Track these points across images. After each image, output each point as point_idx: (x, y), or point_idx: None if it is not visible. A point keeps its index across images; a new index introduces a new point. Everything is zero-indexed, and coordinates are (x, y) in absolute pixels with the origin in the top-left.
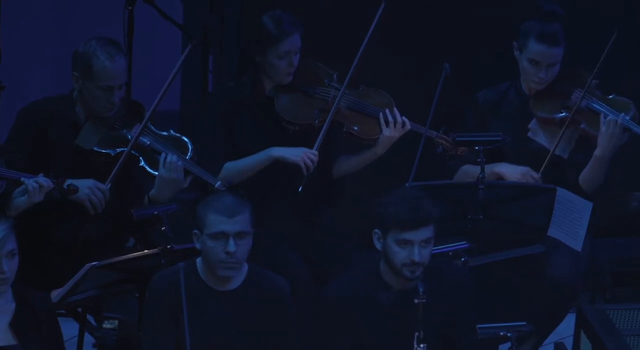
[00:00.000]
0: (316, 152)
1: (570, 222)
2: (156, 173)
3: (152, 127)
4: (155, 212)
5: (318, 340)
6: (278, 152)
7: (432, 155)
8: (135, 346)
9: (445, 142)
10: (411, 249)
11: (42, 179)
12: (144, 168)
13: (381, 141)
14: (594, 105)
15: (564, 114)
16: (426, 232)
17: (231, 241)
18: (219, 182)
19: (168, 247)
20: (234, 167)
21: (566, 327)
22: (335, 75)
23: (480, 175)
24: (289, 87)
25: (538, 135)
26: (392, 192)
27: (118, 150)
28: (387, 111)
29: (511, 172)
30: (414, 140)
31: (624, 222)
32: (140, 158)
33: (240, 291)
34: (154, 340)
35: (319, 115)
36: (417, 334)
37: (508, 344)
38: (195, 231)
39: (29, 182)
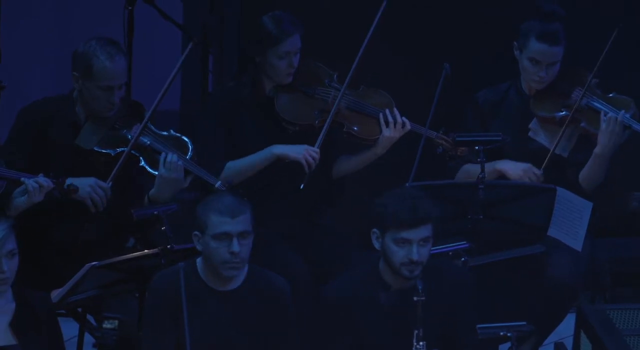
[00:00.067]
0: (318, 150)
1: (570, 222)
2: (156, 173)
3: (152, 127)
4: (155, 212)
5: (318, 340)
6: (280, 149)
7: (432, 155)
8: (135, 346)
9: (445, 142)
10: (409, 248)
11: (42, 179)
12: (144, 168)
13: (381, 141)
14: (594, 103)
15: (564, 112)
16: (424, 231)
17: (235, 241)
18: (219, 182)
19: (168, 247)
20: (235, 167)
21: (566, 327)
22: (335, 76)
23: (480, 175)
24: (289, 87)
25: (539, 135)
26: (390, 191)
27: (118, 150)
28: (387, 111)
29: (513, 168)
30: (414, 141)
31: (624, 222)
32: (141, 158)
33: (240, 291)
34: (154, 340)
35: (319, 115)
36: (416, 331)
37: (508, 344)
38: (196, 233)
39: (29, 182)
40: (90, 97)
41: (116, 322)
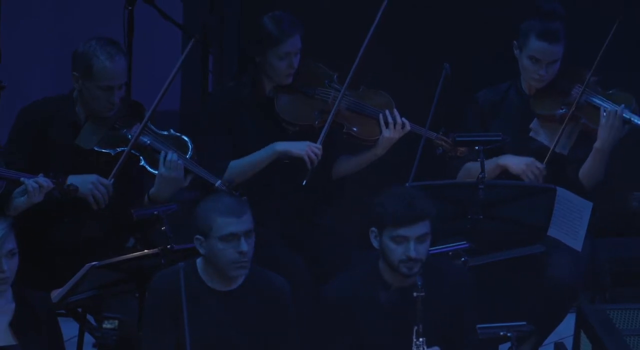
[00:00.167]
0: (320, 146)
1: (570, 222)
2: (156, 172)
3: (152, 127)
4: (155, 212)
5: (318, 340)
6: (282, 146)
7: (432, 156)
8: (135, 346)
9: (445, 143)
10: (407, 245)
11: (42, 179)
12: (144, 167)
13: (381, 142)
14: (594, 99)
15: (564, 110)
16: (421, 228)
17: (242, 241)
18: (219, 181)
19: (168, 247)
20: (238, 165)
21: (566, 327)
22: (335, 76)
23: (481, 175)
24: (289, 87)
25: (540, 135)
26: (388, 190)
27: (118, 150)
28: (387, 112)
29: (516, 163)
30: (414, 141)
31: (624, 222)
32: (141, 157)
33: (240, 291)
34: (154, 340)
35: (319, 116)
36: (416, 327)
37: (508, 344)
38: (198, 237)
39: (29, 182)
40: (90, 97)
41: (116, 322)
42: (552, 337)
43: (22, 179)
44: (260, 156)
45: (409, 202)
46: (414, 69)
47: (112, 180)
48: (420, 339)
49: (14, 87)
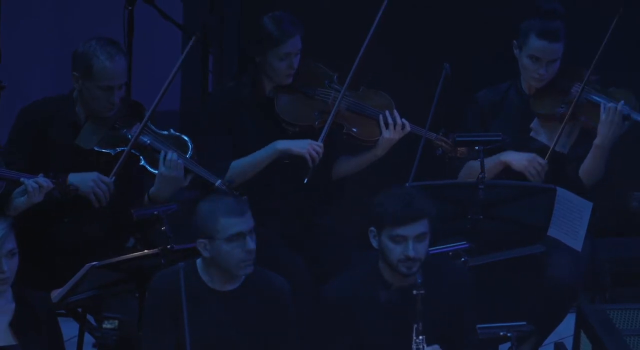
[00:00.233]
0: (321, 144)
1: (570, 222)
2: (156, 172)
3: (152, 127)
4: (155, 212)
5: (318, 340)
6: (283, 144)
7: (432, 156)
8: (135, 346)
9: (445, 144)
10: (405, 244)
11: (41, 179)
12: (145, 167)
13: (381, 143)
14: (594, 97)
15: (564, 109)
16: (420, 227)
17: (248, 239)
18: (219, 181)
19: (168, 247)
20: (239, 165)
21: (566, 327)
22: (335, 77)
23: (481, 175)
24: (289, 88)
25: (540, 135)
26: (386, 190)
27: (118, 149)
28: (387, 113)
29: (517, 159)
30: (414, 142)
31: (624, 222)
32: (141, 157)
33: (240, 291)
34: (154, 340)
35: (318, 116)
36: (415, 325)
37: (508, 344)
38: (202, 241)
39: (29, 183)
40: (90, 97)
41: (116, 322)
42: (552, 337)
43: (22, 179)
44: (261, 155)
45: (407, 202)
46: (414, 69)
47: (114, 177)
48: (420, 337)
49: (14, 87)
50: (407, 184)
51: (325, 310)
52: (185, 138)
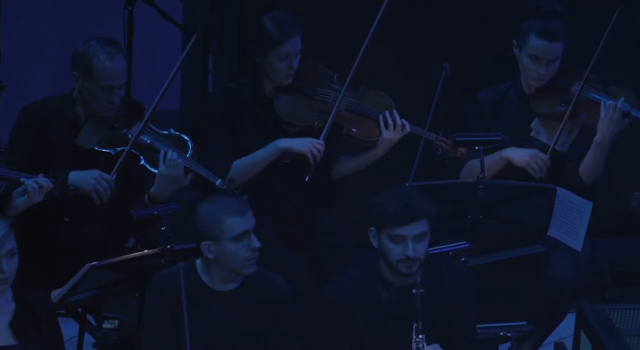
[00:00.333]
0: (323, 142)
1: (570, 222)
2: (156, 171)
3: (153, 126)
4: (155, 212)
5: (318, 340)
6: (284, 143)
7: (432, 157)
8: (135, 346)
9: (445, 144)
10: (405, 244)
11: (41, 179)
12: (145, 167)
13: (381, 143)
14: (593, 95)
15: (564, 108)
16: (419, 227)
17: (253, 237)
18: (219, 180)
19: (168, 247)
20: (241, 165)
21: (566, 327)
22: (335, 77)
23: (481, 175)
24: (289, 88)
25: (540, 134)
26: (386, 190)
27: (118, 149)
28: (387, 113)
29: (519, 155)
30: (414, 142)
31: (624, 222)
32: (141, 157)
33: (240, 291)
34: (154, 340)
35: (318, 117)
36: (415, 324)
37: (508, 344)
38: (206, 242)
39: (29, 183)
40: (90, 97)
41: (116, 322)
42: (552, 337)
43: (22, 179)
44: (262, 155)
45: (407, 202)
46: (414, 69)
47: (115, 175)
48: (420, 336)
49: (14, 87)
50: (407, 184)
51: (325, 310)
52: (185, 137)
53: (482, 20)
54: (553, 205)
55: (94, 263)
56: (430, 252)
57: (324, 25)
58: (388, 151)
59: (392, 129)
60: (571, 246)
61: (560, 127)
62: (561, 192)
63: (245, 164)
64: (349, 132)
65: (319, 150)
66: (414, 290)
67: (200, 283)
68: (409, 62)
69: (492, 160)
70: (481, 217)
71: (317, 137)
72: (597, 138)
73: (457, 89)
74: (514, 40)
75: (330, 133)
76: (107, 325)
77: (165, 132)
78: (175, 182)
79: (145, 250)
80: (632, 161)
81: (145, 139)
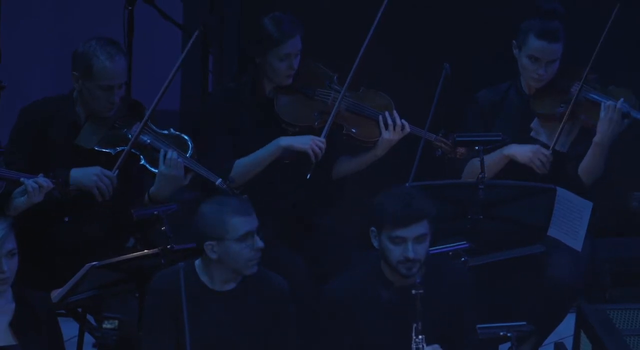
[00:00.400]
0: (324, 140)
1: (570, 222)
2: (157, 171)
3: (153, 126)
4: (155, 212)
5: (318, 340)
6: (286, 141)
7: (432, 157)
8: (135, 346)
9: (445, 145)
10: (405, 246)
11: (41, 179)
12: (145, 166)
13: (380, 143)
14: (593, 95)
15: (563, 108)
16: (419, 229)
17: (256, 238)
18: (219, 180)
19: (168, 247)
20: (242, 164)
21: (566, 327)
22: (335, 77)
23: (481, 175)
24: (289, 88)
25: (540, 135)
26: (387, 190)
27: (118, 149)
28: (387, 114)
29: (521, 152)
30: (414, 142)
31: (624, 222)
32: (141, 156)
33: (239, 291)
34: (154, 340)
35: (318, 117)
36: (415, 325)
37: (508, 344)
38: (209, 243)
39: (29, 183)
40: (90, 97)
41: (116, 322)
42: (552, 337)
43: (22, 179)
44: (263, 153)
45: (407, 203)
46: (414, 69)
47: (117, 171)
48: (420, 337)
49: (14, 87)
50: (407, 184)
51: (325, 310)
52: (185, 137)
53: (482, 20)
54: (553, 205)
55: (94, 263)
56: (430, 252)
57: (324, 25)
58: (388, 151)
59: (392, 130)
60: (571, 246)
61: (560, 127)
62: (561, 192)
63: (246, 164)
64: (349, 133)
65: (320, 148)
66: (413, 291)
67: (199, 283)
68: (409, 62)
69: (494, 159)
70: (481, 217)
71: (318, 136)
72: (596, 138)
73: (457, 89)
74: (514, 41)
75: (330, 133)
76: (107, 325)
77: (165, 131)
78: (175, 181)
79: (145, 250)
80: (632, 161)
81: (145, 138)
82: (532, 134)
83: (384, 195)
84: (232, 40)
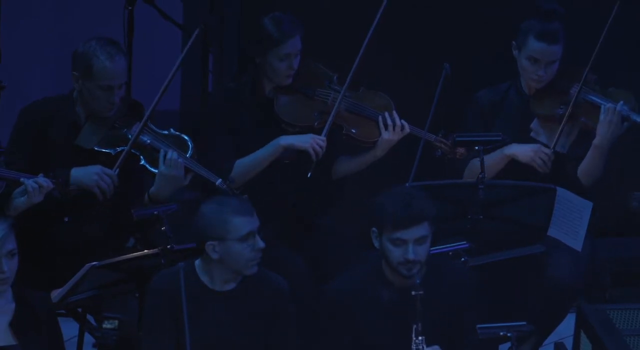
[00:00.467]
0: (324, 138)
1: (570, 222)
2: (156, 171)
3: (152, 126)
4: (155, 212)
5: (318, 340)
6: (286, 140)
7: (432, 157)
8: (135, 346)
9: (444, 145)
10: (405, 247)
11: (41, 179)
12: (145, 167)
13: (380, 144)
14: (592, 97)
15: (563, 110)
16: (420, 230)
17: (258, 238)
18: (219, 180)
19: (168, 247)
20: (242, 164)
21: (566, 327)
22: (335, 77)
23: (481, 175)
24: (289, 88)
25: (540, 135)
26: (388, 191)
27: (118, 149)
28: (387, 114)
29: (522, 151)
30: (414, 142)
31: (624, 222)
32: (141, 157)
33: (239, 291)
34: (154, 340)
35: (318, 117)
36: (415, 326)
37: (508, 344)
38: (211, 243)
39: (29, 183)
40: (90, 97)
41: (116, 322)
42: (552, 337)
43: (22, 179)
44: (263, 153)
45: (407, 204)
46: (414, 69)
47: (117, 170)
48: (420, 338)
49: (14, 87)
50: (407, 184)
51: (326, 310)
52: (185, 137)
53: (482, 20)
54: (553, 205)
55: (94, 263)
56: (431, 252)
57: (324, 25)
58: (388, 152)
59: (392, 130)
60: (571, 246)
61: (560, 129)
62: (561, 192)
63: (246, 164)
64: (349, 133)
65: (321, 146)
66: (413, 292)
67: (199, 284)
68: (409, 62)
69: (495, 159)
70: (481, 217)
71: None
72: (596, 141)
73: (457, 89)
74: (513, 42)
75: (330, 133)
76: (107, 325)
77: (165, 132)
78: (175, 182)
79: (145, 250)
80: (632, 162)
81: (145, 138)
82: (532, 134)
83: (384, 196)
84: (232, 40)
